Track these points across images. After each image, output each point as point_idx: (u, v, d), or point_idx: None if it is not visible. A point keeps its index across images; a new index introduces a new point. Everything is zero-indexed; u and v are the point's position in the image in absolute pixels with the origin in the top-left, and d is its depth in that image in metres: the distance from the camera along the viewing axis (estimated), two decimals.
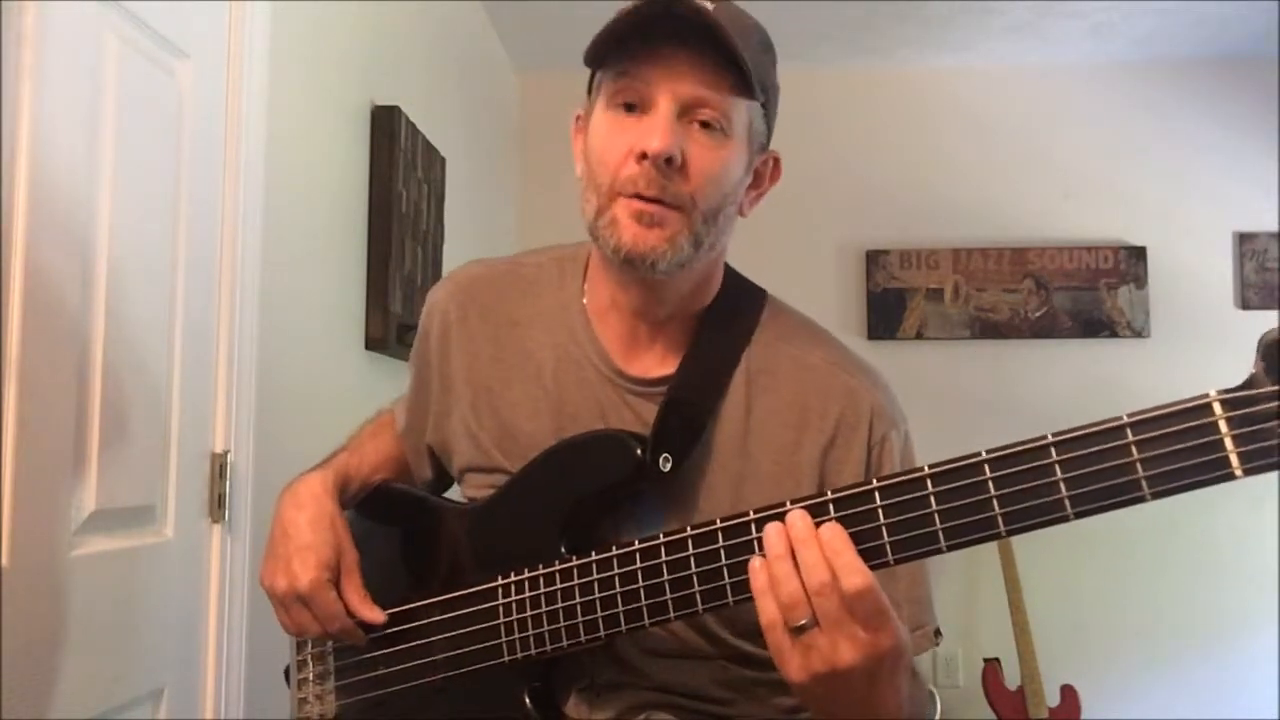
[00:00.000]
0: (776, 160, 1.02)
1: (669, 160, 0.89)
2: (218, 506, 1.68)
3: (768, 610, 0.77)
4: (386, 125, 2.43)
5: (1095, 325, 3.83)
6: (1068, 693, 3.46)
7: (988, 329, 3.88)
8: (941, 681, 3.74)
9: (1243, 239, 3.82)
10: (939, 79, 3.98)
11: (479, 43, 3.55)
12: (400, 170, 2.47)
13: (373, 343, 2.39)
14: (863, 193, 3.93)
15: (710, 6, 0.90)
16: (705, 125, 0.91)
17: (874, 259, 3.94)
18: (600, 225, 0.93)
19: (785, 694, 1.00)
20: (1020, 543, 3.60)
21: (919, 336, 3.91)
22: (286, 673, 1.15)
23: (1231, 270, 3.84)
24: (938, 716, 3.50)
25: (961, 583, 3.78)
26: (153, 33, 1.51)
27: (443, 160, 2.85)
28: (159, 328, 1.53)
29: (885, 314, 3.92)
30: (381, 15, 2.47)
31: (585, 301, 1.04)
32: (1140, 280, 3.83)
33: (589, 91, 0.99)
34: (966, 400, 3.81)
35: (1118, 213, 3.87)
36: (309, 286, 2.10)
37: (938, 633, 0.99)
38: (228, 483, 1.70)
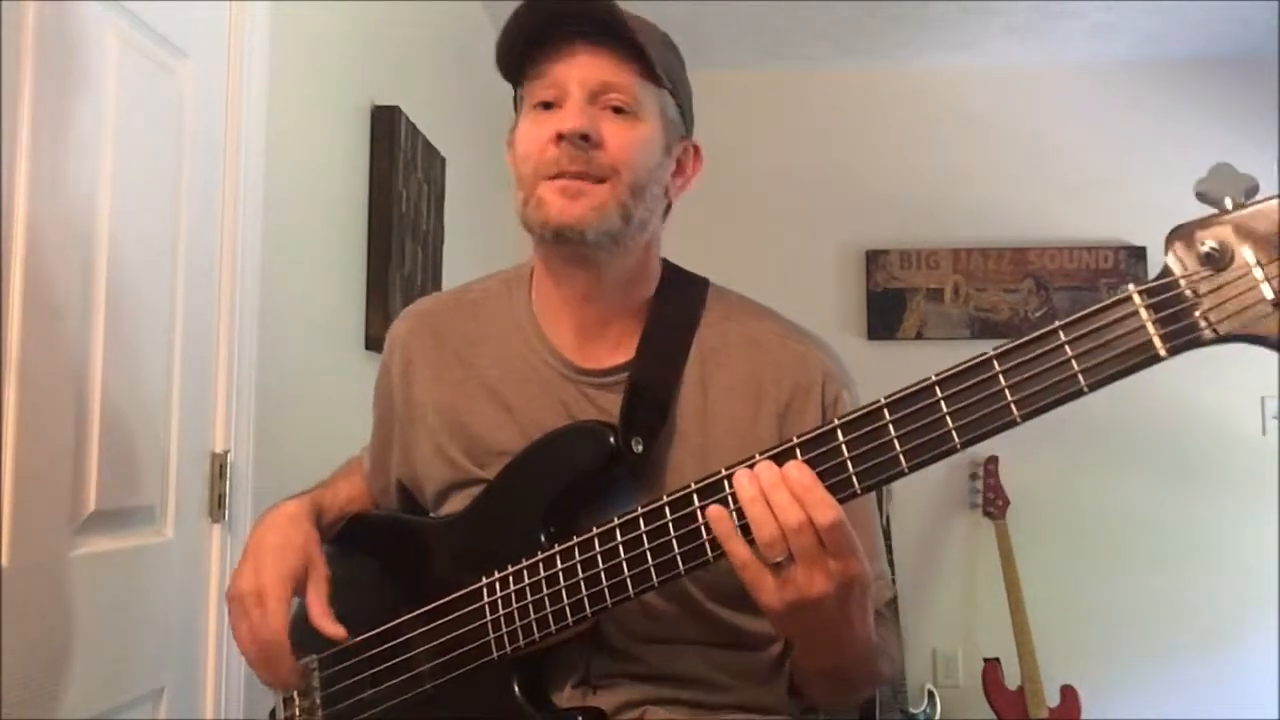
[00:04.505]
0: (697, 149, 1.08)
1: (585, 136, 0.95)
2: (218, 506, 1.68)
3: (737, 552, 0.82)
4: (386, 125, 2.42)
5: None
6: (1068, 693, 3.46)
7: (988, 329, 3.88)
8: (941, 681, 3.74)
9: None
10: (939, 79, 3.98)
11: (479, 43, 3.54)
12: (400, 170, 2.47)
13: (373, 343, 2.39)
14: (863, 193, 3.92)
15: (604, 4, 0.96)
16: (617, 110, 0.98)
17: (874, 259, 3.94)
18: (529, 210, 0.98)
19: (780, 678, 1.03)
20: (1020, 543, 3.60)
21: (919, 336, 3.91)
22: (272, 715, 1.13)
23: None
24: (938, 717, 3.50)
25: (961, 583, 3.78)
26: (153, 33, 1.51)
27: (443, 160, 2.85)
28: (159, 328, 1.53)
29: (885, 314, 3.92)
30: (381, 15, 2.47)
31: (533, 309, 1.08)
32: (1140, 280, 3.82)
33: (515, 111, 1.05)
34: None
35: (1118, 213, 3.86)
36: (309, 286, 2.10)
37: (893, 581, 1.06)
38: (228, 483, 1.70)
